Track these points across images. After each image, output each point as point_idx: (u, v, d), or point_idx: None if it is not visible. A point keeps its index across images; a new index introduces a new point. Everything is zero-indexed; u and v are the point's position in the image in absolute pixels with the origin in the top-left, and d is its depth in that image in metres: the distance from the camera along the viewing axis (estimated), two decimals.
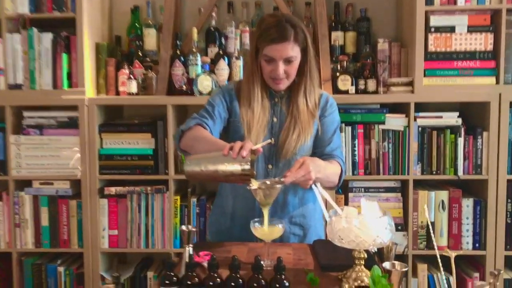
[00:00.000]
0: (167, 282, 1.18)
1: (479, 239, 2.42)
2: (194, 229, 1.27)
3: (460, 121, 2.41)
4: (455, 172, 2.40)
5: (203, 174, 1.40)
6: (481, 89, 2.35)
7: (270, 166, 1.70)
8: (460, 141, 2.39)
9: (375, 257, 1.36)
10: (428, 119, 2.42)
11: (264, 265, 1.38)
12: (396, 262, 1.26)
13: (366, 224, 1.19)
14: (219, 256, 1.47)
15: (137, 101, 2.53)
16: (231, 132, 1.74)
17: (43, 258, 2.60)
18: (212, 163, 1.39)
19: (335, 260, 1.39)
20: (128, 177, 2.49)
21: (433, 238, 1.20)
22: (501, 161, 2.36)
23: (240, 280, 1.17)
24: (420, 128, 2.41)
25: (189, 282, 1.17)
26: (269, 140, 1.58)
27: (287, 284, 1.16)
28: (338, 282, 1.27)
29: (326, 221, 1.37)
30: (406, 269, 1.23)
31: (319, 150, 1.73)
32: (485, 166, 2.39)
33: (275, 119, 1.71)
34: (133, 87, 2.51)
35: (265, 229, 1.41)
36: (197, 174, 1.41)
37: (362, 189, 2.47)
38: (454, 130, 2.41)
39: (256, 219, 1.45)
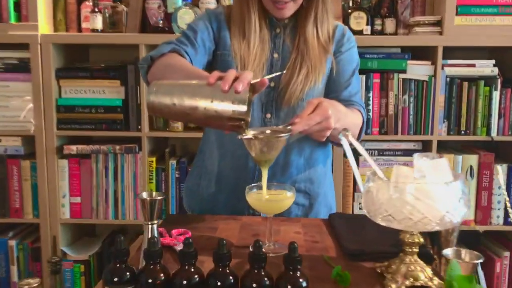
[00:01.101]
0: (115, 279, 0.75)
1: None
2: (160, 198, 0.83)
3: (496, 70, 2.10)
4: (488, 133, 2.10)
5: (175, 110, 0.93)
6: None
7: (268, 115, 1.33)
8: (496, 95, 2.09)
9: (426, 241, 0.94)
10: (458, 68, 2.10)
11: (265, 251, 0.97)
12: (463, 250, 0.85)
13: (428, 193, 0.76)
14: (199, 237, 1.06)
15: (103, 40, 2.12)
16: (219, 68, 1.32)
17: None
18: (191, 95, 0.92)
19: (367, 244, 0.97)
20: (92, 133, 2.18)
21: (510, 211, 0.78)
22: None
23: (231, 277, 0.75)
24: (448, 79, 2.09)
25: (149, 280, 0.74)
26: (279, 73, 1.23)
27: (304, 284, 0.74)
28: (378, 279, 0.85)
29: (354, 189, 0.94)
30: (480, 260, 0.82)
31: (334, 95, 1.35)
32: None
33: (275, 55, 1.34)
34: (98, 22, 2.10)
35: (264, 197, 0.98)
36: (166, 108, 0.94)
37: (376, 151, 2.13)
38: (489, 81, 2.10)
39: (253, 184, 1.03)
